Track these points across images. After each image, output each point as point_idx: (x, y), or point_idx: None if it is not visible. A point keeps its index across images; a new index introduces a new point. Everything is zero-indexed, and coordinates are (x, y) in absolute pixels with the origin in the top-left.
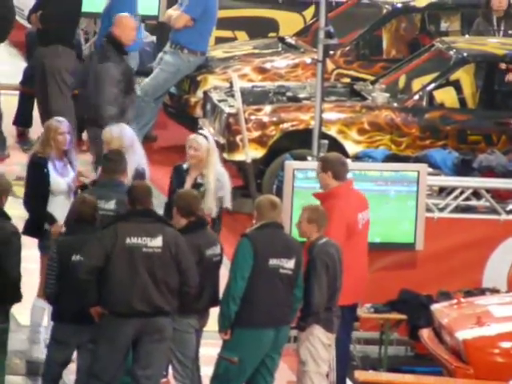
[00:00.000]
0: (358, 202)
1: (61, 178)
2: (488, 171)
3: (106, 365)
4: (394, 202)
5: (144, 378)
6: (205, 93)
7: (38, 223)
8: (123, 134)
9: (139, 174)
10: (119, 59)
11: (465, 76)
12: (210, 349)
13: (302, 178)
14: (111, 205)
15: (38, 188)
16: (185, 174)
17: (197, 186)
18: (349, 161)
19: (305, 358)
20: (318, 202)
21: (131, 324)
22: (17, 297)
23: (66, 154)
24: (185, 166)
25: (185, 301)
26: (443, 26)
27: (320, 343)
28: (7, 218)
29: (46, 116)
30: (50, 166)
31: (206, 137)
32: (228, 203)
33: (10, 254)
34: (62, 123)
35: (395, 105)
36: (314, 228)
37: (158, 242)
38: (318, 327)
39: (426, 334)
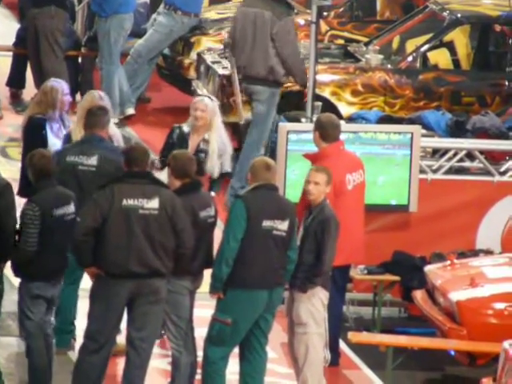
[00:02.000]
0: (347, 163)
1: (57, 140)
2: (482, 132)
3: (101, 326)
4: (387, 163)
5: (138, 340)
6: (198, 54)
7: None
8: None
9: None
10: None
11: (458, 37)
12: (203, 310)
13: (296, 140)
14: (93, 160)
15: (36, 149)
16: (187, 136)
17: (199, 151)
18: (342, 122)
19: (306, 319)
20: (308, 163)
21: (126, 285)
22: (10, 253)
23: (60, 116)
24: (185, 128)
25: (180, 262)
26: None
27: (321, 303)
28: None
29: (39, 77)
30: (48, 128)
31: (212, 99)
32: (228, 167)
33: (6, 208)
34: (63, 84)
35: (389, 66)
36: (328, 190)
37: (154, 203)
38: (320, 287)
39: (419, 295)
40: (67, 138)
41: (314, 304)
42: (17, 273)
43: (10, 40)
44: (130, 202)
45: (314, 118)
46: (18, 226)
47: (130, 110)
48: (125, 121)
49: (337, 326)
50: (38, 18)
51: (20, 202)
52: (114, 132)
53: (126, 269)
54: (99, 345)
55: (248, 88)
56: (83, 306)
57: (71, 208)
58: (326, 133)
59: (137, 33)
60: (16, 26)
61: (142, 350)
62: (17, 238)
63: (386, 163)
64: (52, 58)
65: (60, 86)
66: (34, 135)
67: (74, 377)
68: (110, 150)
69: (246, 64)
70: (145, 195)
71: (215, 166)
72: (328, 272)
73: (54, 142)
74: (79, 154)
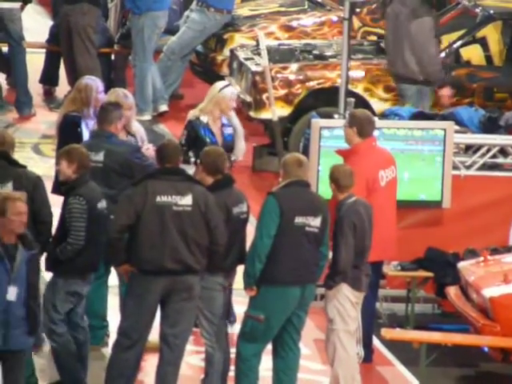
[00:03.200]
0: (380, 160)
1: None
2: None
3: (135, 323)
4: (421, 160)
5: (172, 336)
6: (231, 51)
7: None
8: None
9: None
10: None
11: (491, 33)
12: (237, 307)
13: (328, 137)
14: (100, 156)
15: None
16: (209, 127)
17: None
18: (375, 118)
19: (332, 316)
20: (341, 160)
21: (160, 282)
22: (48, 242)
23: (94, 114)
24: (203, 118)
25: (213, 259)
26: None
27: (348, 301)
28: (22, 166)
29: (72, 74)
30: (84, 126)
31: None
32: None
33: (42, 199)
34: (97, 82)
35: None
36: (335, 189)
37: (187, 200)
38: (346, 285)
39: (452, 291)
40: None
41: (341, 301)
42: (55, 268)
43: (43, 37)
44: (164, 198)
45: (347, 115)
46: (65, 222)
47: (163, 107)
48: (158, 118)
49: (370, 323)
50: (71, 15)
51: (54, 201)
52: (137, 129)
53: (160, 266)
54: (132, 341)
55: (396, 86)
56: (113, 303)
57: (105, 203)
58: (363, 128)
59: (170, 30)
60: (49, 22)
61: (175, 346)
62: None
63: (419, 159)
64: (85, 55)
65: (94, 83)
66: (68, 133)
67: (108, 373)
68: (117, 145)
69: (393, 62)
70: (178, 192)
71: (243, 147)
72: (345, 271)
73: None
74: (88, 150)
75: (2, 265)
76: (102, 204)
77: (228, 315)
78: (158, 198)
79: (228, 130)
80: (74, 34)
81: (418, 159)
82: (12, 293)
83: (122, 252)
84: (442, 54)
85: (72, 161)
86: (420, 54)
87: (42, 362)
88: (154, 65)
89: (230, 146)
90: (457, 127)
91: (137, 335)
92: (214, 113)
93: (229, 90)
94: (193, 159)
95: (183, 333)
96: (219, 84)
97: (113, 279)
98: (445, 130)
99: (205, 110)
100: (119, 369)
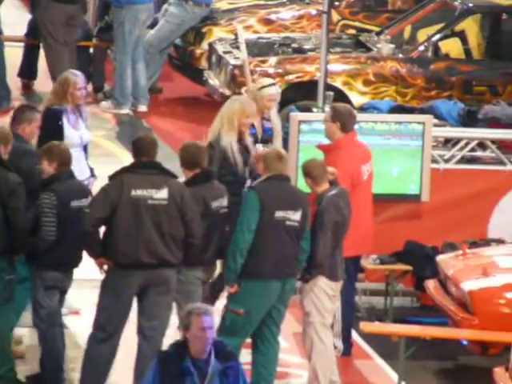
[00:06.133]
0: (362, 154)
1: (74, 131)
2: (493, 122)
3: (111, 316)
4: (399, 153)
5: (149, 329)
6: (210, 44)
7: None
8: None
9: None
10: None
11: (470, 27)
12: (216, 301)
13: (307, 130)
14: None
15: (52, 140)
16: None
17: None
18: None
19: (309, 310)
20: (321, 155)
21: (136, 276)
22: (23, 247)
23: (77, 107)
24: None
25: (189, 252)
26: None
27: (325, 294)
28: (8, 168)
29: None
30: (65, 119)
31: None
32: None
33: (18, 205)
34: (79, 77)
35: (400, 56)
36: (312, 183)
37: (163, 193)
38: (323, 278)
39: (431, 284)
40: None
41: (317, 294)
42: (32, 261)
43: (22, 31)
44: (139, 192)
45: (326, 108)
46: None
47: (143, 107)
48: (137, 112)
49: (349, 317)
50: (36, 10)
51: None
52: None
53: (135, 259)
54: (108, 334)
55: None
56: (91, 296)
57: (85, 201)
58: (346, 123)
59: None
60: (27, 16)
61: (152, 339)
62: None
63: (398, 153)
64: (48, 51)
65: (74, 78)
66: (50, 126)
67: (83, 366)
68: (15, 147)
69: None
70: (154, 185)
71: (279, 145)
72: (324, 264)
73: (71, 133)
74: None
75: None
76: (80, 202)
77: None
78: (134, 192)
79: (268, 124)
80: (39, 29)
81: (398, 153)
82: None
83: (98, 245)
84: (421, 48)
85: (52, 159)
86: None
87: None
88: (141, 62)
89: (268, 140)
90: (436, 121)
91: (112, 328)
92: (267, 112)
93: (268, 90)
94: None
95: (160, 326)
96: (263, 81)
97: (92, 272)
98: (424, 123)
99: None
100: (95, 361)
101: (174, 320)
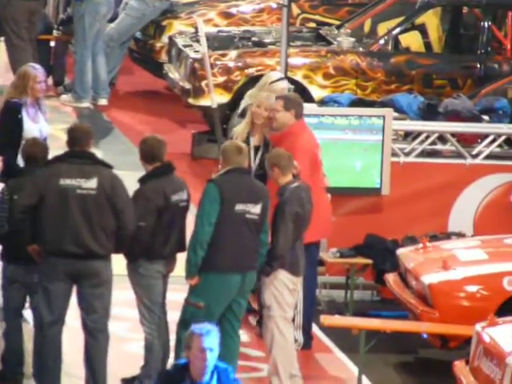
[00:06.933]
0: (314, 139)
1: (33, 124)
2: (453, 115)
3: (47, 304)
4: (360, 148)
5: (90, 322)
6: (170, 38)
7: (8, 169)
8: None
9: None
10: None
11: (430, 20)
12: (176, 294)
13: None
14: None
15: (11, 134)
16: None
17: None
18: (314, 105)
19: (270, 303)
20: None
21: (63, 264)
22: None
23: (37, 101)
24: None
25: (121, 244)
26: None
27: (285, 287)
28: None
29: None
30: (24, 112)
31: None
32: None
33: None
34: (38, 71)
35: (360, 49)
36: (279, 173)
37: (92, 183)
38: (283, 271)
39: (391, 278)
40: None
41: (277, 287)
42: None
43: None
44: (68, 181)
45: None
46: None
47: (103, 101)
48: (97, 105)
49: (310, 309)
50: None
51: None
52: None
53: (60, 248)
54: (50, 320)
55: None
56: None
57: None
58: (298, 110)
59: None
60: None
61: (96, 332)
62: None
63: (358, 148)
64: (9, 48)
65: (34, 72)
66: (9, 119)
67: (35, 352)
68: None
69: None
70: (83, 175)
71: None
72: (285, 256)
73: (30, 127)
74: None
75: None
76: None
77: None
78: (62, 181)
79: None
80: (2, 26)
81: (359, 148)
82: None
83: (27, 232)
84: (381, 41)
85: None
86: None
87: None
88: (102, 56)
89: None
90: (396, 114)
91: (52, 316)
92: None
93: (280, 84)
94: None
95: (100, 318)
96: (273, 75)
97: None
98: (384, 116)
99: (252, 95)
100: (48, 342)
101: (134, 314)
